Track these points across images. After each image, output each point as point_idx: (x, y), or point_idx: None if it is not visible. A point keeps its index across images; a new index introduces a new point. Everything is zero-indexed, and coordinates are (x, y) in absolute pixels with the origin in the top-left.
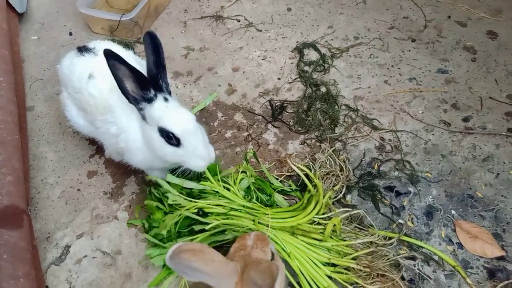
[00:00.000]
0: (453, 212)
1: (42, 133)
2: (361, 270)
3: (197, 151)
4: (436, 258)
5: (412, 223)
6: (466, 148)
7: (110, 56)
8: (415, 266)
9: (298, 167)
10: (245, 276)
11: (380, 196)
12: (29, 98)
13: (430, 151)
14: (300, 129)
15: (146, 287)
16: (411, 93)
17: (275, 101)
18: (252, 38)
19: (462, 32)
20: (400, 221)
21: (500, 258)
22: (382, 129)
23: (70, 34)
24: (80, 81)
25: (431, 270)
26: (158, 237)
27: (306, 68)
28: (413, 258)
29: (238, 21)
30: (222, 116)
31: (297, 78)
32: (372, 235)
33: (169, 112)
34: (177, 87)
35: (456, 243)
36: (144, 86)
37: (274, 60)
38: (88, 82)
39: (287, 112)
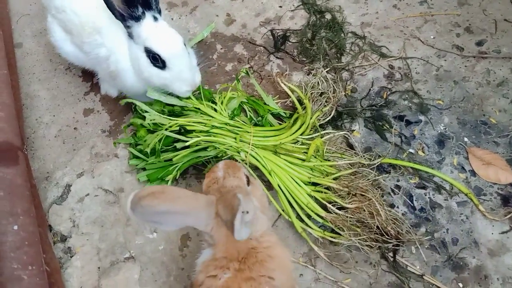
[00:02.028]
0: (465, 139)
1: (33, 71)
2: (341, 190)
3: (182, 75)
4: (447, 187)
5: (423, 152)
6: (479, 73)
7: None
8: (426, 195)
9: (289, 88)
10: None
11: (388, 126)
12: (16, 34)
13: (442, 77)
14: (304, 59)
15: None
16: (422, 18)
17: (277, 31)
18: None
19: None
20: (410, 150)
21: None
22: (391, 57)
23: None
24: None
25: (442, 198)
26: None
27: None
28: (424, 187)
29: None
30: (221, 48)
31: (300, 5)
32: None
33: (157, 32)
34: (172, 19)
35: (468, 170)
36: (132, 3)
37: None
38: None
39: (290, 42)
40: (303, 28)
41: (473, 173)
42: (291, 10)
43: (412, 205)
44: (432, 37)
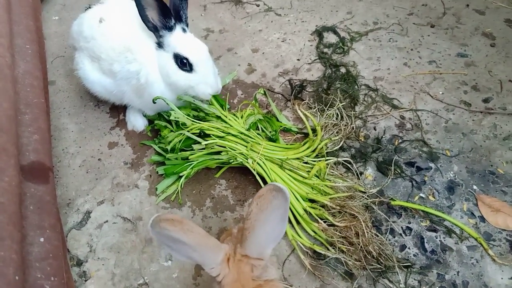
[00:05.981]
0: (474, 187)
1: (64, 106)
2: (333, 208)
3: (207, 78)
4: (458, 231)
5: (434, 197)
6: (486, 127)
7: None
8: (437, 238)
9: (304, 114)
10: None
11: (399, 171)
12: (50, 73)
13: (450, 129)
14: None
15: (167, 253)
16: (431, 75)
17: (295, 81)
18: (272, 21)
19: (480, 19)
20: (421, 195)
21: None
22: (402, 108)
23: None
24: (91, 28)
25: (453, 242)
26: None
27: (325, 50)
28: (435, 230)
29: (258, 5)
30: (241, 94)
31: (316, 59)
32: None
33: (186, 40)
34: None
35: (478, 216)
36: (166, 15)
37: (294, 42)
38: (100, 26)
39: (306, 91)
40: (319, 79)
41: (483, 219)
42: (308, 63)
43: (423, 247)
44: (441, 92)
